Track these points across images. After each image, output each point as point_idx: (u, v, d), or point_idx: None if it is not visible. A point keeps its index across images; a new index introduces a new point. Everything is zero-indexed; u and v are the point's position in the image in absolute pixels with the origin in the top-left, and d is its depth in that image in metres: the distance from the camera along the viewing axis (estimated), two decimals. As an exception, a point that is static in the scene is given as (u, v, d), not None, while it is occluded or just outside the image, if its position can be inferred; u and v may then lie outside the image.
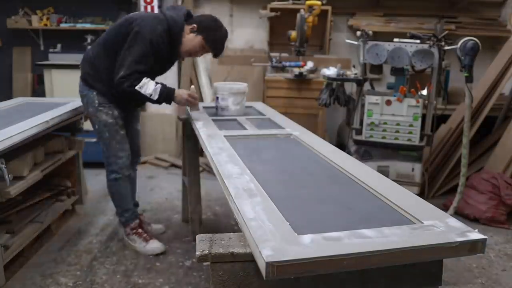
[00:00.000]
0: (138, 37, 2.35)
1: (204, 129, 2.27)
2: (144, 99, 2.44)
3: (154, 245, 2.76)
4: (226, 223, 3.26)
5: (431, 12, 4.60)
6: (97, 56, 2.54)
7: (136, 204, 3.01)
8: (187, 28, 2.48)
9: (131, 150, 2.75)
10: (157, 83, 2.43)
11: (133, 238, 2.78)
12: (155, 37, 2.37)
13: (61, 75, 4.25)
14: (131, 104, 2.71)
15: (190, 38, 2.47)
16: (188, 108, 2.63)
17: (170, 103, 2.52)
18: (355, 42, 3.30)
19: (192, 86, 2.68)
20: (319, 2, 3.92)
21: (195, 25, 2.46)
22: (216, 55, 2.56)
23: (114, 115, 2.59)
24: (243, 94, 2.77)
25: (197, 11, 4.77)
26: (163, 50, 2.44)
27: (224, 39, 2.52)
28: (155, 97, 2.40)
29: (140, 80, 2.36)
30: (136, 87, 2.36)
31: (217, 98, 2.74)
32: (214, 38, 2.46)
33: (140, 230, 2.79)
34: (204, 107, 2.96)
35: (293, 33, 3.86)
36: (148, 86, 2.38)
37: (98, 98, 2.56)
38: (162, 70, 2.67)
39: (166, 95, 2.44)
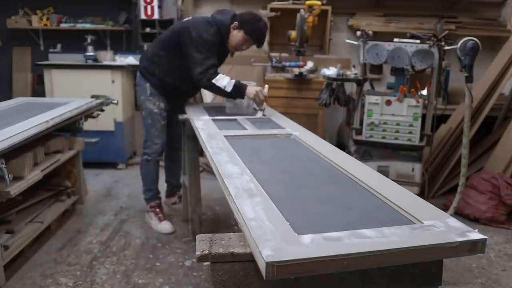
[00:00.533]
0: (197, 39, 2.67)
1: (204, 129, 2.27)
2: (219, 91, 2.71)
3: (165, 226, 3.09)
4: (226, 223, 3.26)
5: (431, 12, 4.60)
6: (155, 54, 2.91)
7: (179, 186, 3.43)
8: (231, 26, 2.76)
9: (178, 137, 3.18)
10: (231, 78, 2.71)
11: (151, 215, 3.16)
12: (211, 36, 2.70)
13: (61, 75, 4.25)
14: (180, 97, 3.07)
15: (234, 34, 2.77)
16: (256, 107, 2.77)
17: (242, 97, 2.75)
18: (355, 42, 3.30)
19: (266, 86, 2.80)
20: (319, 2, 3.92)
21: (236, 22, 2.74)
22: (258, 45, 2.82)
23: (159, 106, 2.97)
24: None
25: (197, 11, 4.78)
26: (217, 48, 2.75)
27: (263, 30, 2.77)
28: (229, 89, 2.67)
29: (216, 75, 2.68)
30: (213, 80, 2.67)
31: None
32: (253, 30, 2.73)
33: (157, 210, 3.15)
34: (204, 107, 2.96)
35: (293, 33, 3.86)
36: (223, 79, 2.68)
37: (151, 90, 2.94)
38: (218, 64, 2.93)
39: (239, 89, 2.70)
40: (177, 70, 2.84)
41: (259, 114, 2.69)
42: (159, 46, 2.91)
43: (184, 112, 3.14)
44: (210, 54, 2.68)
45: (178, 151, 3.30)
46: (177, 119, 3.12)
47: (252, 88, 2.70)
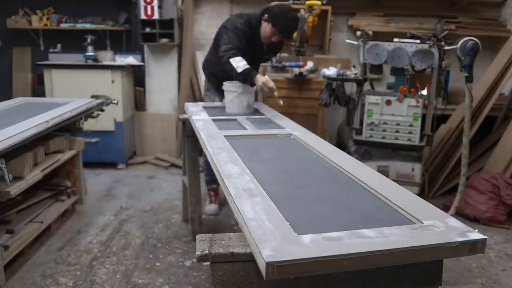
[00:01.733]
0: (228, 27, 2.98)
1: (204, 129, 2.27)
2: (232, 70, 2.82)
3: (211, 208, 3.43)
4: (226, 223, 3.26)
5: (431, 12, 4.60)
6: (209, 53, 3.33)
7: None
8: (262, 19, 2.99)
9: None
10: (246, 64, 2.83)
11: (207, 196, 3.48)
12: (238, 24, 2.97)
13: (61, 75, 4.25)
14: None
15: (264, 26, 2.98)
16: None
17: (249, 83, 2.81)
18: (355, 42, 3.30)
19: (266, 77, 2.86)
20: (319, 2, 3.92)
21: (266, 15, 2.95)
22: (286, 36, 3.03)
23: (214, 101, 3.28)
24: (252, 92, 2.83)
25: (196, 11, 4.78)
26: (246, 36, 2.98)
27: (289, 22, 2.94)
28: (239, 70, 2.79)
29: (236, 56, 2.83)
30: (230, 59, 2.83)
31: (226, 96, 2.81)
32: (280, 22, 2.89)
33: (211, 193, 3.48)
34: (204, 107, 2.96)
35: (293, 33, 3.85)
36: (239, 62, 2.82)
37: (208, 85, 3.40)
38: (254, 55, 3.07)
39: (248, 74, 2.79)
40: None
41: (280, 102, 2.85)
42: (211, 46, 3.25)
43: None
44: (237, 38, 2.92)
45: None
46: None
47: (261, 77, 2.79)
